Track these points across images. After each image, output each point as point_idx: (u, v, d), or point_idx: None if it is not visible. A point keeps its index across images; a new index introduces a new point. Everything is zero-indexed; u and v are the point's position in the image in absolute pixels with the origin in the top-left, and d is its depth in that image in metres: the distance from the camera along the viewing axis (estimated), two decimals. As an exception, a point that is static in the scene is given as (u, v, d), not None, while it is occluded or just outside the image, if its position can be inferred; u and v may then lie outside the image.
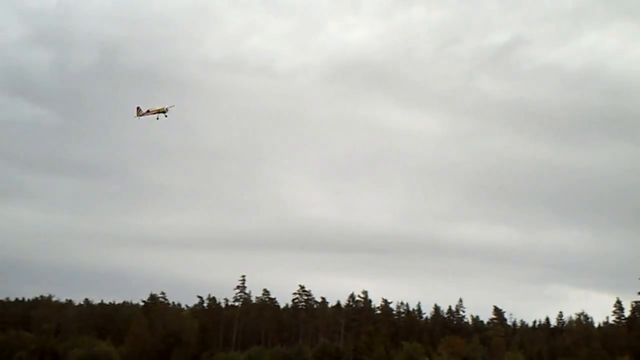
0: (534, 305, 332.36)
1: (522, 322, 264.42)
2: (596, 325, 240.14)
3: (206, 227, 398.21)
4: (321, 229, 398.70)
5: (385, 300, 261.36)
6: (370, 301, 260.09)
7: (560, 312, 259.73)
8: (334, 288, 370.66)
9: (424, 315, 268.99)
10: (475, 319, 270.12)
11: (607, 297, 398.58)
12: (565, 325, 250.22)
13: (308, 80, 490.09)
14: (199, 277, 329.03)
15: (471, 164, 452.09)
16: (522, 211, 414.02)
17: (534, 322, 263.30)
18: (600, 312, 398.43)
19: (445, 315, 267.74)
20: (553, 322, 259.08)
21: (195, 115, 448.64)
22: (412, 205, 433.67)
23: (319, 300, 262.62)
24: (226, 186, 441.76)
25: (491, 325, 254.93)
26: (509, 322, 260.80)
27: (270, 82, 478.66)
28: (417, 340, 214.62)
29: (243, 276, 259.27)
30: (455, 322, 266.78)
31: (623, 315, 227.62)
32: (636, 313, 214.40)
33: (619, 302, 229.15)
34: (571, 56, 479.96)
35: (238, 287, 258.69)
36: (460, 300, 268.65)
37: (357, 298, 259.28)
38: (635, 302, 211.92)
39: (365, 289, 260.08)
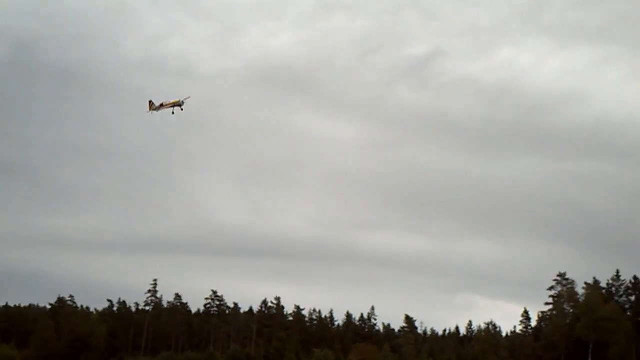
0: (444, 313, 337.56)
1: (433, 331, 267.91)
2: (504, 334, 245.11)
3: (118, 229, 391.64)
4: (236, 234, 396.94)
5: (297, 307, 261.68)
6: (282, 307, 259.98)
7: (470, 321, 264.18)
8: (246, 293, 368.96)
9: (336, 322, 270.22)
10: (387, 327, 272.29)
11: (516, 306, 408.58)
12: (474, 333, 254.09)
13: (228, 84, 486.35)
14: (109, 280, 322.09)
15: (387, 173, 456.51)
16: (435, 221, 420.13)
17: (444, 330, 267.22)
18: (509, 321, 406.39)
19: (357, 323, 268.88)
20: (462, 331, 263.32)
21: (113, 115, 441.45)
22: (328, 212, 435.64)
23: (231, 305, 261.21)
24: (141, 188, 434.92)
25: (402, 333, 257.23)
26: (420, 330, 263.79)
27: (190, 85, 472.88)
28: (329, 347, 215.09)
29: (155, 280, 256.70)
30: (366, 329, 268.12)
31: (530, 325, 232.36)
32: (542, 323, 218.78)
33: (526, 312, 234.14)
34: (487, 70, 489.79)
35: (149, 290, 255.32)
36: (372, 308, 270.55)
37: (269, 304, 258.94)
38: (542, 312, 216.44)
39: (278, 295, 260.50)
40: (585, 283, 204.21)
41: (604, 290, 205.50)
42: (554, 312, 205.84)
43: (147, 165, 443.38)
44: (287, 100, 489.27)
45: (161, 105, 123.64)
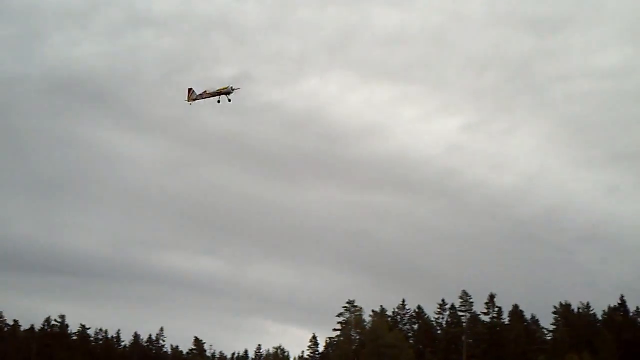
0: (235, 337, 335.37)
1: (222, 354, 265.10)
2: (292, 359, 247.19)
3: None
4: (20, 248, 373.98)
5: (83, 326, 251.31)
6: (67, 326, 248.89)
7: (259, 346, 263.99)
8: (29, 312, 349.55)
9: (123, 343, 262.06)
10: (175, 349, 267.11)
11: (306, 332, 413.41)
12: (262, 358, 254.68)
13: (25, 91, 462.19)
14: None
15: (184, 194, 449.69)
16: (230, 244, 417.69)
17: (233, 354, 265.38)
18: (298, 346, 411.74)
19: (145, 344, 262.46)
20: (251, 355, 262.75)
21: None
22: (121, 230, 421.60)
23: (11, 323, 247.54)
24: None
25: (191, 356, 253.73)
26: (209, 354, 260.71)
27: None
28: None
29: None
30: (154, 351, 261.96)
31: (317, 351, 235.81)
32: (329, 349, 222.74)
33: (314, 337, 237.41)
34: (292, 98, 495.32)
35: None
36: (162, 330, 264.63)
37: (53, 323, 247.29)
38: (330, 338, 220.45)
39: (63, 314, 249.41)
40: (373, 311, 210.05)
41: (390, 319, 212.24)
42: (342, 338, 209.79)
43: None
44: (88, 113, 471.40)
45: (204, 93, 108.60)
